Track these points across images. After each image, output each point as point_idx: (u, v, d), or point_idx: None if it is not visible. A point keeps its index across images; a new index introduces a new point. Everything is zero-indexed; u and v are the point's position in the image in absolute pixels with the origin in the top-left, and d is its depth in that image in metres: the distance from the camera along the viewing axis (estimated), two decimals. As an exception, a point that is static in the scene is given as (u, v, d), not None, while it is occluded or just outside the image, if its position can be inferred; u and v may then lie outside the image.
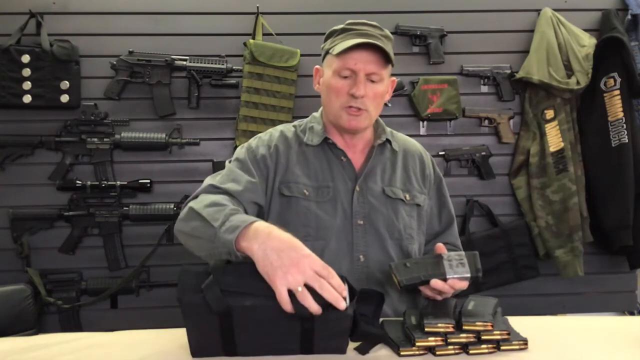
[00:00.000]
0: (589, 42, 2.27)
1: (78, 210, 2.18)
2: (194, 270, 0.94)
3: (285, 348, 0.93)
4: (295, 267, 0.88)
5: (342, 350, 0.94)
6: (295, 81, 2.23)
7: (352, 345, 0.97)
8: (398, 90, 2.26)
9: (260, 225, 0.98)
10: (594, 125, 2.28)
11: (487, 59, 2.35)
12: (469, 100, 2.35)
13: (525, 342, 0.97)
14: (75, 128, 2.18)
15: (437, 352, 0.94)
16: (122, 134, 2.17)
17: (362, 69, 1.22)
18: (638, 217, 2.21)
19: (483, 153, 2.33)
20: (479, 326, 0.95)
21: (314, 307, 0.86)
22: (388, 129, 1.40)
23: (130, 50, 2.18)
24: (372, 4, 2.30)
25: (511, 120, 2.36)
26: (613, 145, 2.22)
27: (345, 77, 1.24)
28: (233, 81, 2.20)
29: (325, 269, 0.90)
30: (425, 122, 2.33)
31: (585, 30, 2.33)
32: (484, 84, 2.36)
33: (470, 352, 0.95)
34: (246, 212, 1.17)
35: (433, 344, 0.95)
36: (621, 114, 2.21)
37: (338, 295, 0.88)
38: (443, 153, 2.32)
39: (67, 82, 2.14)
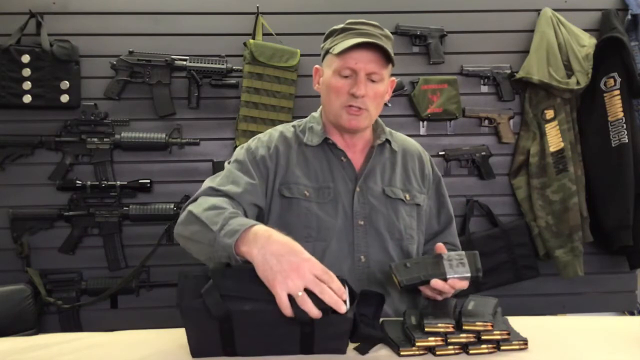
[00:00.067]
0: (589, 42, 2.27)
1: (78, 210, 2.18)
2: (193, 274, 0.93)
3: (285, 350, 0.93)
4: (295, 272, 0.88)
5: (342, 351, 0.94)
6: (295, 81, 2.23)
7: (351, 345, 0.97)
8: (398, 90, 2.26)
9: (260, 229, 0.98)
10: (594, 125, 2.28)
11: (487, 59, 2.35)
12: (469, 100, 2.35)
13: (525, 342, 0.97)
14: (75, 128, 2.18)
15: (437, 352, 0.94)
16: (122, 134, 2.17)
17: (362, 69, 1.22)
18: (638, 217, 2.21)
19: (483, 153, 2.33)
20: (479, 326, 0.95)
21: (314, 312, 0.86)
22: (387, 129, 1.40)
23: (130, 50, 2.18)
24: (372, 4, 2.30)
25: (511, 120, 2.36)
26: (613, 145, 2.22)
27: (346, 77, 1.24)
28: (233, 81, 2.20)
29: (326, 273, 0.90)
30: (425, 122, 2.33)
31: (585, 30, 2.33)
32: (484, 84, 2.36)
33: (470, 352, 0.95)
34: (246, 214, 1.17)
35: (433, 344, 0.95)
36: (621, 114, 2.21)
37: (338, 299, 0.88)
38: (443, 153, 2.32)
39: (67, 82, 2.14)
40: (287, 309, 0.86)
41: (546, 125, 2.27)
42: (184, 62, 2.18)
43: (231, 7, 2.26)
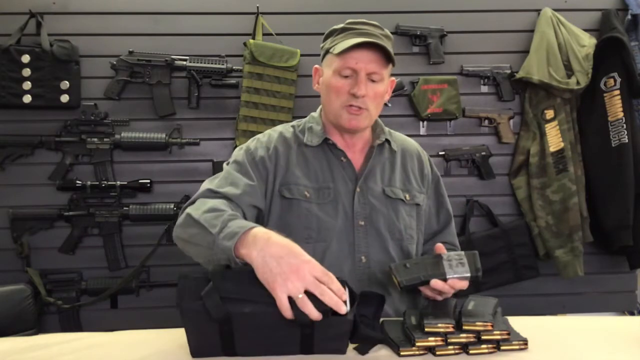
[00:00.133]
0: (589, 42, 2.27)
1: (78, 210, 2.18)
2: (193, 276, 0.93)
3: (285, 351, 0.93)
4: (295, 274, 0.88)
5: (342, 351, 0.94)
6: (295, 81, 2.23)
7: (351, 345, 0.97)
8: (398, 90, 2.26)
9: (259, 231, 0.97)
10: (594, 125, 2.28)
11: (487, 59, 2.35)
12: (469, 100, 2.35)
13: (525, 342, 0.97)
14: (75, 128, 2.18)
15: (437, 352, 0.94)
16: (122, 134, 2.17)
17: (363, 69, 1.21)
18: (638, 217, 2.21)
19: (483, 153, 2.33)
20: (479, 326, 0.95)
21: (314, 314, 0.86)
22: (386, 129, 1.39)
23: (130, 50, 2.18)
24: (372, 4, 2.30)
25: (511, 120, 2.36)
26: (613, 145, 2.22)
27: (346, 77, 1.23)
28: (233, 81, 2.20)
29: (326, 275, 0.90)
30: (425, 122, 2.33)
31: (585, 30, 2.33)
32: (484, 84, 2.36)
33: (470, 352, 0.95)
34: (245, 216, 1.16)
35: (433, 344, 0.95)
36: (621, 114, 2.21)
37: (339, 300, 0.87)
38: (443, 153, 2.32)
39: (67, 82, 2.14)
40: (287, 312, 0.86)
41: (546, 125, 2.27)
42: (184, 62, 2.18)
43: (231, 7, 2.26)
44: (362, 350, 0.96)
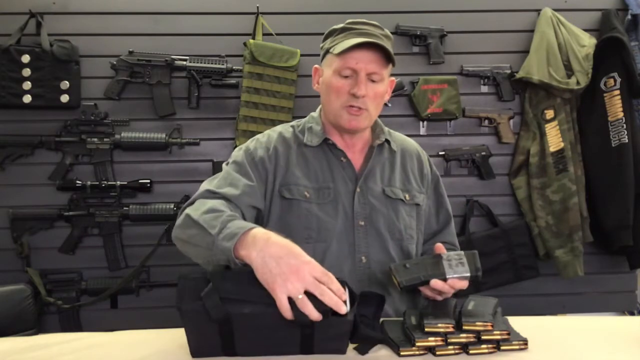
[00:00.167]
0: (589, 42, 2.27)
1: (78, 210, 2.18)
2: (193, 276, 0.93)
3: (285, 351, 0.93)
4: (294, 275, 0.87)
5: (342, 351, 0.94)
6: (295, 81, 2.23)
7: (351, 345, 0.97)
8: (398, 90, 2.26)
9: (258, 231, 0.97)
10: (594, 125, 2.28)
11: (487, 59, 2.35)
12: (469, 100, 2.35)
13: (525, 342, 0.97)
14: (75, 128, 2.18)
15: (437, 352, 0.94)
16: (122, 134, 2.17)
17: (363, 69, 1.21)
18: (638, 217, 2.21)
19: (483, 153, 2.33)
20: (479, 326, 0.95)
21: (314, 315, 0.86)
22: (386, 129, 1.39)
23: (130, 50, 2.18)
24: (372, 4, 2.30)
25: (511, 120, 2.36)
26: (613, 145, 2.22)
27: (346, 77, 1.23)
28: (233, 81, 2.20)
29: (325, 275, 0.90)
30: (425, 122, 2.33)
31: (585, 30, 2.33)
32: (484, 84, 2.36)
33: (470, 352, 0.95)
34: (244, 217, 1.16)
35: (433, 344, 0.95)
36: (621, 114, 2.21)
37: (338, 300, 0.87)
38: (443, 153, 2.32)
39: (67, 82, 2.14)
40: (287, 312, 0.86)
41: (546, 125, 2.27)
42: (184, 62, 2.18)
43: (231, 7, 2.26)
44: (362, 350, 0.96)
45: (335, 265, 1.20)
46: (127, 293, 2.21)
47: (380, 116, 1.35)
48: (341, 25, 1.27)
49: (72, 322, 2.17)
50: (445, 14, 2.34)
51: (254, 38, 2.22)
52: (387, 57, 1.23)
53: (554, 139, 2.25)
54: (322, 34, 1.32)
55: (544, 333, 1.06)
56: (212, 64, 2.17)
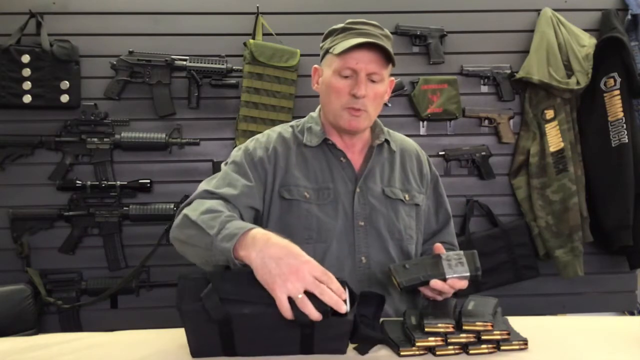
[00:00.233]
0: (589, 42, 2.27)
1: (78, 210, 2.18)
2: (193, 276, 0.93)
3: (285, 352, 0.93)
4: (294, 275, 0.87)
5: (342, 351, 0.94)
6: (295, 81, 2.23)
7: (351, 345, 0.97)
8: (398, 90, 2.26)
9: (258, 232, 0.97)
10: (594, 125, 2.28)
11: (487, 59, 2.35)
12: (469, 100, 2.35)
13: (525, 342, 0.97)
14: (75, 128, 2.18)
15: (437, 352, 0.94)
16: (122, 134, 2.17)
17: (363, 69, 1.21)
18: (638, 217, 2.21)
19: (483, 153, 2.33)
20: (479, 326, 0.95)
21: (315, 315, 0.86)
22: (385, 129, 1.39)
23: (130, 50, 2.18)
24: (372, 4, 2.30)
25: (511, 120, 2.36)
26: (613, 145, 2.22)
27: (346, 77, 1.23)
28: (233, 81, 2.20)
29: (325, 275, 0.90)
30: (425, 122, 2.33)
31: (585, 30, 2.33)
32: (484, 84, 2.36)
33: (470, 352, 0.95)
34: (242, 217, 1.15)
35: (433, 344, 0.95)
36: (621, 114, 2.21)
37: (338, 299, 0.87)
38: (443, 153, 2.32)
39: (67, 82, 2.14)
40: (287, 312, 0.86)
41: (546, 125, 2.27)
42: (184, 62, 2.18)
43: (231, 7, 2.26)
44: (362, 350, 0.96)
45: (336, 266, 1.20)
46: (127, 293, 2.21)
47: (380, 116, 1.35)
48: (341, 25, 1.27)
49: (72, 322, 2.17)
50: (445, 14, 2.34)
51: (254, 38, 2.22)
52: (387, 57, 1.23)
53: (554, 139, 2.25)
54: (322, 34, 1.32)
55: (544, 333, 1.06)
56: (212, 64, 2.17)
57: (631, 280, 2.42)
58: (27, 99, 2.11)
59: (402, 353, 0.94)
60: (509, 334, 0.96)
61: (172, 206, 2.18)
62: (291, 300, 0.86)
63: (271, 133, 1.35)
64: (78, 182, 2.17)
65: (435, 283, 1.06)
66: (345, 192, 1.27)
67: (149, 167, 2.24)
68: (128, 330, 1.09)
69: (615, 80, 2.23)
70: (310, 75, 1.38)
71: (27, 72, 2.10)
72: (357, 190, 1.28)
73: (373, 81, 1.24)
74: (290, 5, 2.28)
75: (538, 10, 2.33)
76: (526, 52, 2.31)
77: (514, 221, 2.33)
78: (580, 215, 2.23)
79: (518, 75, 2.28)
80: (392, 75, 1.32)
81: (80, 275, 2.21)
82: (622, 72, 2.22)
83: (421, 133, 2.33)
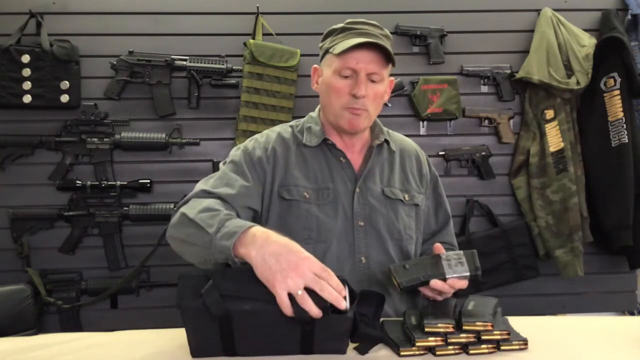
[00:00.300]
0: (589, 42, 2.27)
1: (78, 210, 2.18)
2: (193, 274, 0.93)
3: (285, 350, 0.93)
4: (294, 271, 0.88)
5: (342, 351, 0.94)
6: (295, 81, 2.23)
7: (351, 345, 0.97)
8: (398, 90, 2.26)
9: (258, 230, 0.97)
10: (594, 125, 2.28)
11: (487, 59, 2.35)
12: (469, 100, 2.35)
13: (525, 342, 0.97)
14: (75, 128, 2.18)
15: (437, 352, 0.94)
16: (122, 134, 2.17)
17: (363, 69, 1.21)
18: (638, 217, 2.21)
19: (483, 153, 2.33)
20: (479, 326, 0.95)
21: (315, 311, 0.86)
22: (385, 129, 1.39)
23: (130, 50, 2.18)
24: (372, 4, 2.30)
25: (511, 120, 2.36)
26: (613, 145, 2.22)
27: (346, 77, 1.23)
28: (233, 81, 2.20)
29: (325, 271, 0.90)
30: (425, 122, 2.33)
31: (585, 30, 2.33)
32: (484, 84, 2.36)
33: (470, 352, 0.95)
34: (239, 217, 1.15)
35: (433, 344, 0.95)
36: (621, 114, 2.21)
37: (338, 295, 0.88)
38: (443, 153, 2.32)
39: (67, 82, 2.14)
40: (287, 308, 0.86)
41: (546, 125, 2.27)
42: (184, 62, 2.18)
43: (231, 7, 2.26)
44: (362, 350, 0.96)
45: (335, 266, 1.18)
46: (127, 293, 2.21)
47: (380, 116, 1.35)
48: (341, 25, 1.27)
49: (72, 322, 2.17)
50: (445, 14, 2.34)
51: (254, 38, 2.22)
52: (387, 57, 1.23)
53: (554, 139, 2.25)
54: (322, 34, 1.32)
55: (544, 333, 1.06)
56: (212, 64, 2.17)
57: (631, 280, 2.42)
58: (27, 99, 2.11)
59: (402, 353, 0.94)
60: (509, 334, 0.96)
61: (172, 206, 2.18)
62: (291, 297, 0.86)
63: (270, 133, 1.35)
64: (78, 182, 2.17)
65: (435, 283, 1.06)
66: (345, 192, 1.27)
67: (149, 167, 2.24)
68: (128, 330, 1.09)
69: (615, 80, 2.23)
70: (310, 75, 1.37)
71: (27, 72, 2.10)
72: (357, 190, 1.28)
73: (373, 81, 1.23)
74: (290, 5, 2.28)
75: (538, 10, 2.33)
76: (526, 52, 2.30)
77: (514, 221, 2.33)
78: (580, 215, 2.23)
79: (518, 75, 2.28)
80: (392, 75, 1.32)
81: (80, 275, 2.20)
82: (622, 72, 2.22)
83: (421, 133, 2.33)
